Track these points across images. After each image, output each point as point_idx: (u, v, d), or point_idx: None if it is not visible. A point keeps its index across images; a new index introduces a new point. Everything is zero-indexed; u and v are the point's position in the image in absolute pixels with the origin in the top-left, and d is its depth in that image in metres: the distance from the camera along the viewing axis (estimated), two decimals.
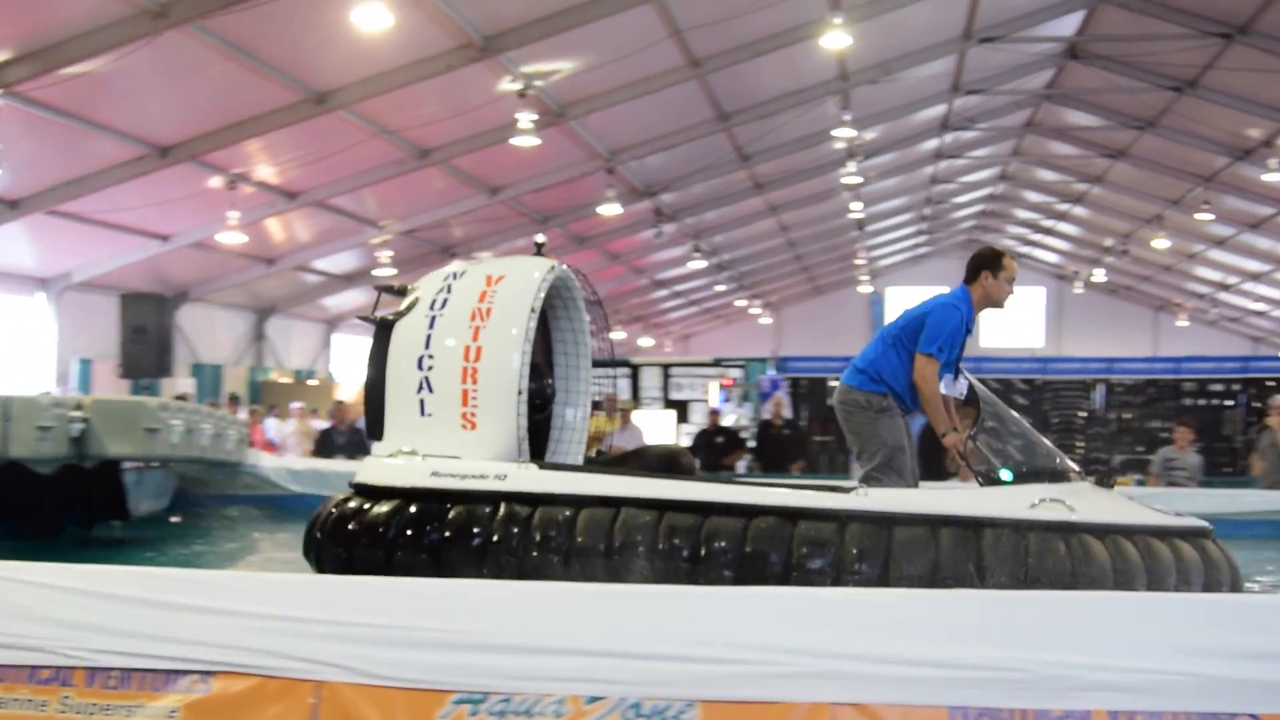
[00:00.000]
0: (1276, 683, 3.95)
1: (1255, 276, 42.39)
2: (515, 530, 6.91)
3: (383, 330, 7.61)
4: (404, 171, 22.64)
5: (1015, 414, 8.01)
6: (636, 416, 18.65)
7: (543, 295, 7.62)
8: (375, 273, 27.97)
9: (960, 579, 6.30)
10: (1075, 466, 7.37)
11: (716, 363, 22.42)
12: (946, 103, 28.65)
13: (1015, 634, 4.11)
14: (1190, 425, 14.90)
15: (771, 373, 19.17)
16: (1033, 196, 42.61)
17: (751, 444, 18.05)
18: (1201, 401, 18.06)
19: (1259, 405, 16.56)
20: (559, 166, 24.25)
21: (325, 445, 17.28)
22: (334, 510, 7.40)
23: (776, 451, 16.53)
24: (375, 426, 7.63)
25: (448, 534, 6.97)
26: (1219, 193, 33.25)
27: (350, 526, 7.19)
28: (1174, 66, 25.75)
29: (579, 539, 6.84)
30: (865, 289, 48.92)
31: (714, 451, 16.96)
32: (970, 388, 7.81)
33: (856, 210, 35.42)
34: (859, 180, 30.28)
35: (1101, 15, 24.36)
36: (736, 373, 21.31)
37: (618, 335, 43.36)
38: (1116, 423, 18.32)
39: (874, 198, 36.12)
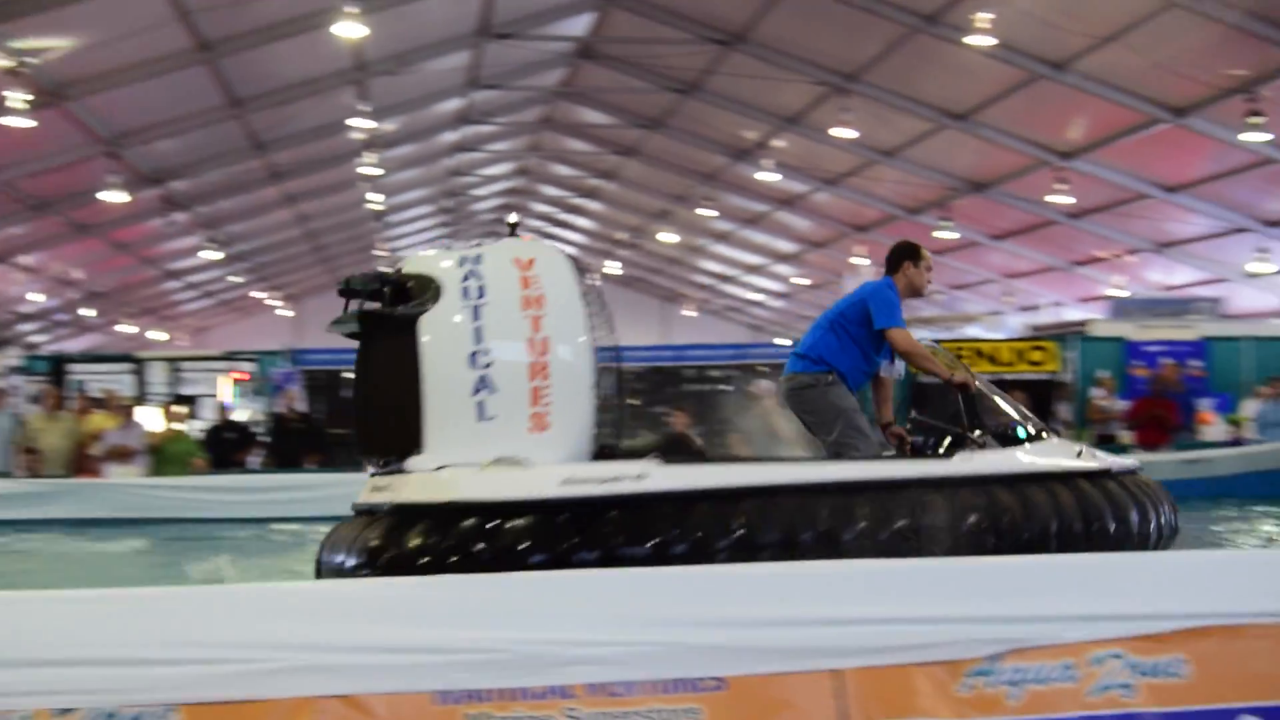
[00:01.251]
0: (740, 647, 4.21)
1: (753, 269, 45.07)
2: (701, 533, 6.26)
3: (401, 327, 6.48)
4: None
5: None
6: (139, 413, 17.79)
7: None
8: None
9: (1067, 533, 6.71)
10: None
11: (227, 356, 21.71)
12: (464, 96, 28.91)
13: (499, 615, 4.18)
14: (686, 410, 15.69)
15: (285, 366, 18.72)
16: (550, 191, 43.57)
17: (265, 439, 17.59)
18: (700, 386, 18.90)
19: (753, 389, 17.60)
20: (57, 150, 22.72)
21: None
22: (428, 537, 6.20)
23: (290, 446, 16.20)
24: (395, 439, 6.53)
25: (623, 543, 6.18)
26: (720, 190, 35.20)
27: (478, 549, 6.11)
28: (679, 70, 27.03)
29: (758, 533, 6.34)
30: None
31: (225, 448, 16.49)
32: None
33: (376, 201, 35.21)
34: (379, 171, 30.14)
35: (611, 17, 25.23)
36: (250, 366, 20.66)
37: (127, 329, 41.37)
38: (624, 408, 18.97)
39: (394, 189, 35.96)
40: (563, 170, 39.95)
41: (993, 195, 28.99)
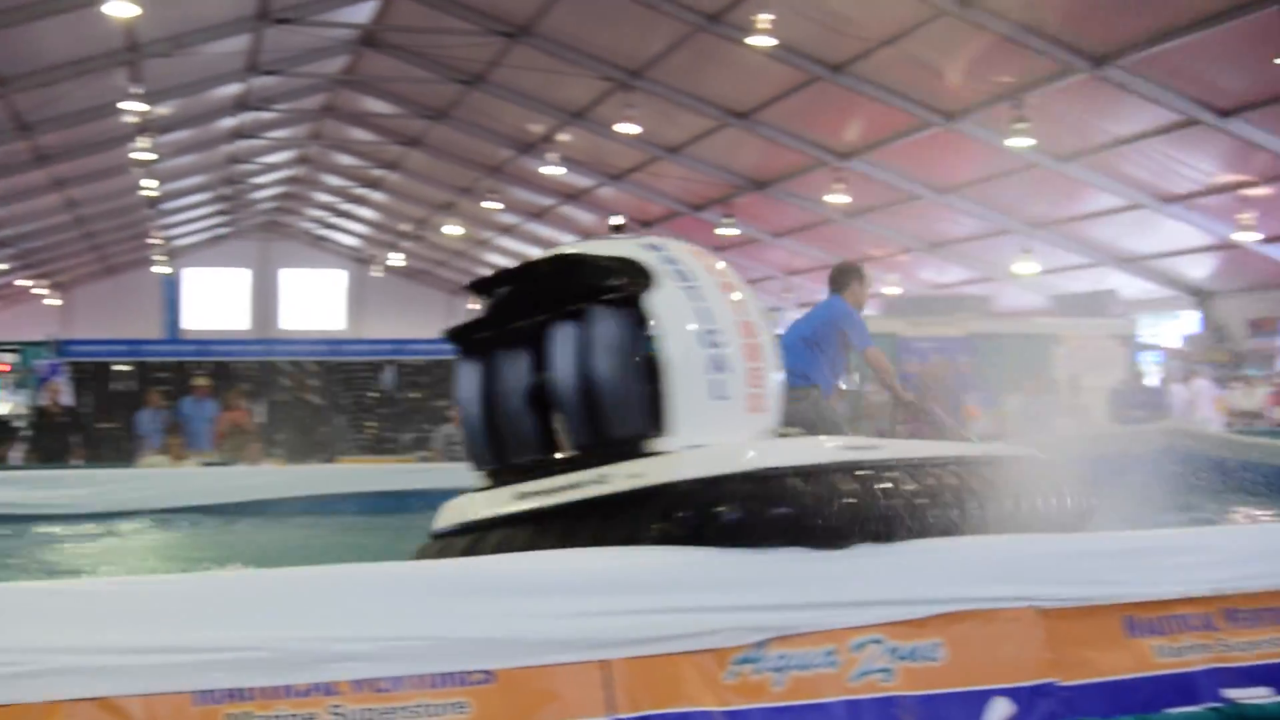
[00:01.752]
0: (507, 640, 4.18)
1: None
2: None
3: (627, 306, 6.14)
4: None
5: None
6: None
7: None
8: None
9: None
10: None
11: None
12: (243, 82, 28.22)
13: (263, 612, 4.07)
14: None
15: (50, 357, 17.99)
16: (332, 180, 42.91)
17: (28, 433, 16.87)
18: None
19: None
20: None
21: None
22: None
23: (54, 439, 15.58)
24: (630, 424, 6.08)
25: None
26: (505, 183, 35.12)
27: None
28: (464, 61, 26.83)
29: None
30: (163, 269, 47.20)
31: None
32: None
33: (150, 187, 34.07)
34: (152, 157, 29.18)
35: (395, 5, 24.93)
36: (12, 357, 19.80)
37: None
38: (406, 402, 18.76)
39: (169, 175, 34.89)
40: (345, 159, 39.37)
41: (773, 193, 29.54)
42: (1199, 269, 27.32)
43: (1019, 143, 21.26)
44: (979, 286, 29.88)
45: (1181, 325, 29.95)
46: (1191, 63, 18.79)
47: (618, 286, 6.17)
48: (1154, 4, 17.54)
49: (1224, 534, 5.62)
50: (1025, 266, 27.78)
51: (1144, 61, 18.94)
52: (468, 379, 6.64)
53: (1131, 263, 27.75)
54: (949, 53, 20.07)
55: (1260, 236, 23.70)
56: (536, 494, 6.02)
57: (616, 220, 8.89)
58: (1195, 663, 4.85)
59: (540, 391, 6.35)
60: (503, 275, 6.90)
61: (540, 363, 6.31)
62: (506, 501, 6.15)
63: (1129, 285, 28.36)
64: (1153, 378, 22.32)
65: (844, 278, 9.39)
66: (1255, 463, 12.71)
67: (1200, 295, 28.23)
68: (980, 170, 25.09)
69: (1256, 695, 4.75)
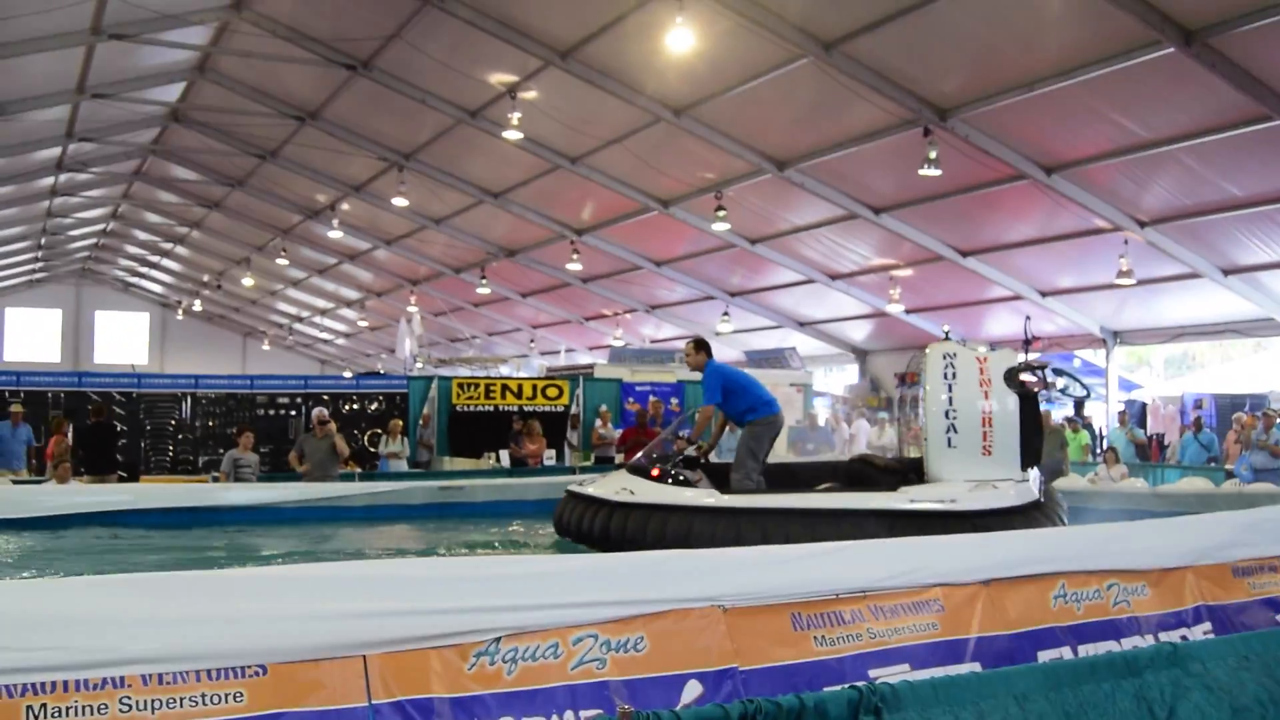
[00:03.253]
0: (279, 638, 4.03)
1: (323, 312, 44.12)
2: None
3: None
4: None
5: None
6: None
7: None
8: None
9: None
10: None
11: None
12: (62, 146, 26.76)
13: (55, 620, 3.83)
14: (251, 430, 14.96)
15: None
16: (142, 235, 41.13)
17: None
18: (270, 411, 18.29)
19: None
20: None
21: None
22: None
23: None
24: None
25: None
26: (295, 243, 34.27)
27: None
28: (260, 138, 26.16)
29: None
30: None
31: None
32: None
33: None
34: None
35: (200, 88, 24.09)
36: None
37: None
38: (202, 429, 18.04)
39: None
40: (154, 218, 37.74)
41: (522, 260, 29.56)
42: (859, 332, 28.36)
43: (719, 226, 21.78)
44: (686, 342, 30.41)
45: (845, 376, 31.08)
46: (853, 169, 19.48)
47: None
48: (822, 123, 18.18)
49: (868, 547, 5.80)
50: (725, 326, 28.52)
51: (816, 166, 19.55)
52: None
53: (807, 325, 28.69)
54: (664, 152, 20.45)
55: (903, 307, 24.74)
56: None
57: (947, 329, 9.92)
58: (847, 649, 4.99)
59: None
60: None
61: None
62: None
63: (805, 343, 29.34)
64: (821, 419, 23.11)
65: (705, 349, 10.31)
66: None
67: (859, 353, 29.36)
68: (689, 247, 25.62)
69: (896, 672, 4.93)
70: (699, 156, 20.35)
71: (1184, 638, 5.72)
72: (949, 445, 8.96)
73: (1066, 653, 5.39)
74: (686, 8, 14.55)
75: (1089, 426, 20.48)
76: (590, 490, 9.42)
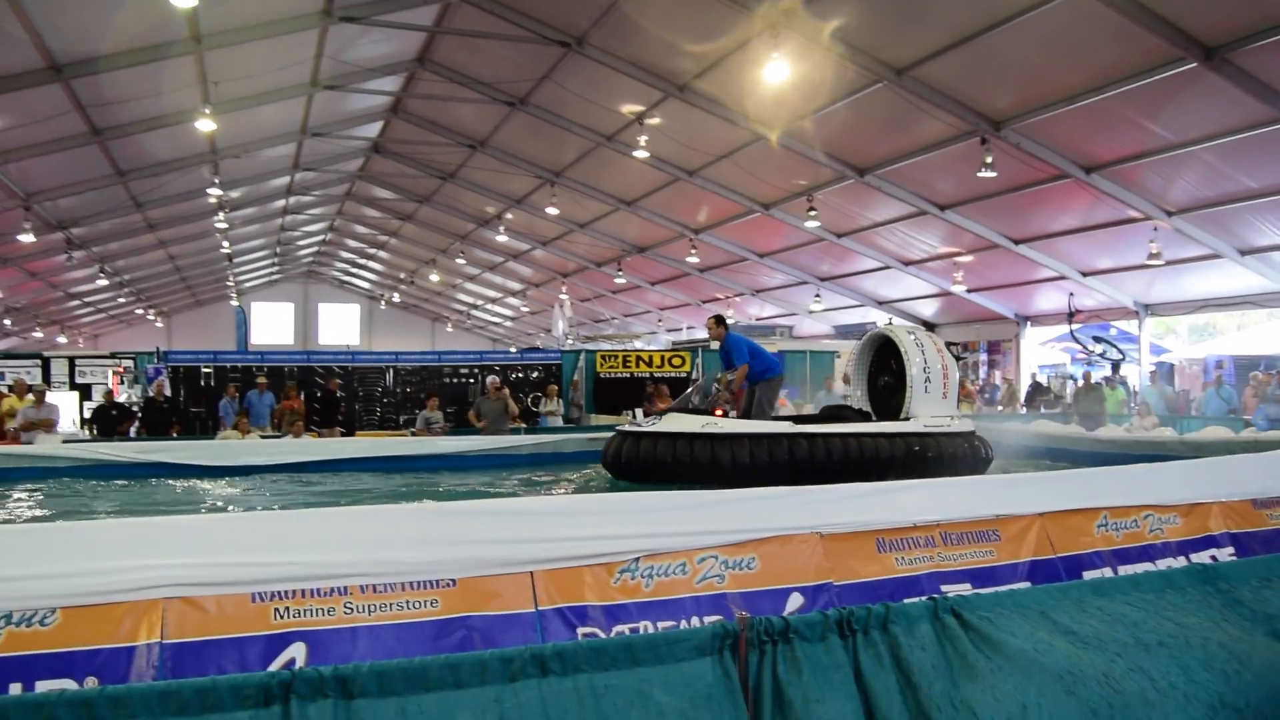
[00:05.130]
0: (463, 559, 4.11)
1: (493, 300, 44.74)
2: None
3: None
4: None
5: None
6: (50, 396, 16.18)
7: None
8: None
9: None
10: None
11: (112, 355, 19.98)
12: (290, 175, 27.65)
13: (294, 539, 3.99)
14: (437, 395, 15.37)
15: (155, 363, 17.35)
16: (352, 243, 42.12)
17: (140, 415, 16.27)
18: (454, 379, 18.60)
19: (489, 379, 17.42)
20: None
21: None
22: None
23: (159, 421, 15.03)
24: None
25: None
26: (470, 246, 34.76)
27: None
28: (442, 163, 26.59)
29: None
30: (235, 303, 45.94)
31: (110, 420, 15.22)
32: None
33: (225, 248, 33.34)
34: (226, 226, 28.53)
35: (395, 125, 24.60)
36: (129, 363, 19.07)
37: (38, 335, 37.74)
38: (401, 394, 18.47)
39: (238, 239, 34.06)
40: (361, 229, 38.69)
41: (650, 255, 29.57)
42: (928, 309, 27.77)
43: (811, 224, 21.49)
44: (786, 319, 30.17)
45: None
46: (921, 174, 19.08)
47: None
48: (895, 136, 17.81)
49: (939, 485, 5.68)
50: (817, 305, 28.15)
51: (890, 172, 19.20)
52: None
53: (885, 304, 28.18)
54: (764, 164, 20.25)
55: (965, 287, 24.18)
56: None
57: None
58: (922, 569, 4.93)
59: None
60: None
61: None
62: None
63: (883, 319, 28.78)
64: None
65: (724, 323, 10.70)
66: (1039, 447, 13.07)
67: (929, 325, 28.73)
68: (786, 241, 25.33)
69: (962, 588, 4.84)
70: (793, 167, 20.08)
71: (1213, 558, 5.49)
72: (925, 392, 10.22)
73: (1108, 573, 5.22)
74: (780, 45, 14.34)
75: (1124, 383, 19.70)
76: (661, 427, 9.71)
